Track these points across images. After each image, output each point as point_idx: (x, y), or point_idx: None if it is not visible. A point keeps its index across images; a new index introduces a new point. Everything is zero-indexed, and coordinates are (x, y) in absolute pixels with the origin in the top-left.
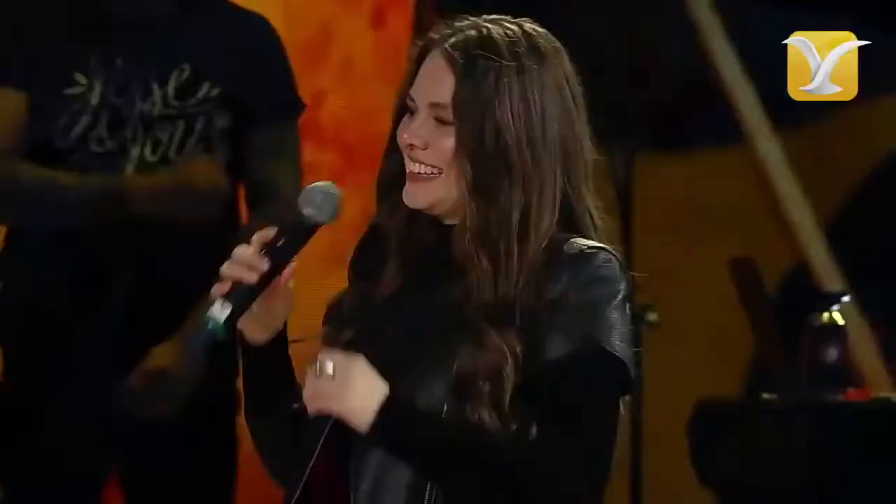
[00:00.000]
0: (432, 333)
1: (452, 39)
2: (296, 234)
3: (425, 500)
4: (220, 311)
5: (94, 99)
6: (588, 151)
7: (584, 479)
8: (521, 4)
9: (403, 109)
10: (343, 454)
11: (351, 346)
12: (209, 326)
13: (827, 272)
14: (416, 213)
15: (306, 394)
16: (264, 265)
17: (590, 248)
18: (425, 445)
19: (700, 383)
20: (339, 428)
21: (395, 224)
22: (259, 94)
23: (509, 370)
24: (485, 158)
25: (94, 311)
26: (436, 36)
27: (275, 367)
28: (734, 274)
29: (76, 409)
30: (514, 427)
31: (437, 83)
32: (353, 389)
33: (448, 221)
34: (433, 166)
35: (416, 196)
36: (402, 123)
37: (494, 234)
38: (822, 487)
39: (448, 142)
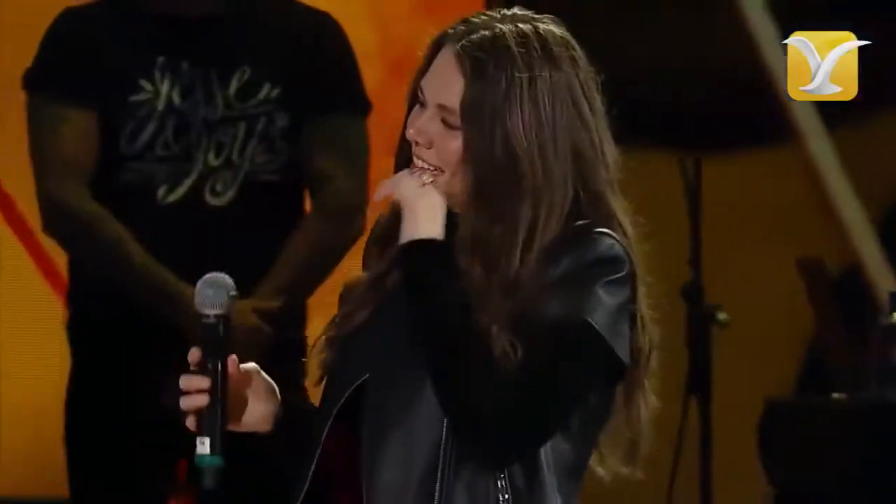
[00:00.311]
0: None
1: (465, 40)
2: (214, 337)
3: (435, 495)
4: (203, 448)
5: (161, 105)
6: (610, 156)
7: (519, 427)
8: (578, 5)
9: (415, 99)
10: (354, 449)
11: (362, 329)
12: (205, 464)
13: (880, 271)
14: None
15: (390, 179)
16: (207, 382)
17: (595, 233)
18: (434, 288)
19: (769, 382)
20: (343, 423)
21: None
22: (319, 91)
23: None
24: (492, 168)
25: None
26: (451, 31)
27: (300, 419)
28: (803, 273)
29: (141, 410)
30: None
31: (446, 84)
32: (429, 205)
33: (458, 211)
34: (435, 166)
35: None
36: (411, 115)
37: (497, 246)
38: (891, 486)
39: (453, 145)
